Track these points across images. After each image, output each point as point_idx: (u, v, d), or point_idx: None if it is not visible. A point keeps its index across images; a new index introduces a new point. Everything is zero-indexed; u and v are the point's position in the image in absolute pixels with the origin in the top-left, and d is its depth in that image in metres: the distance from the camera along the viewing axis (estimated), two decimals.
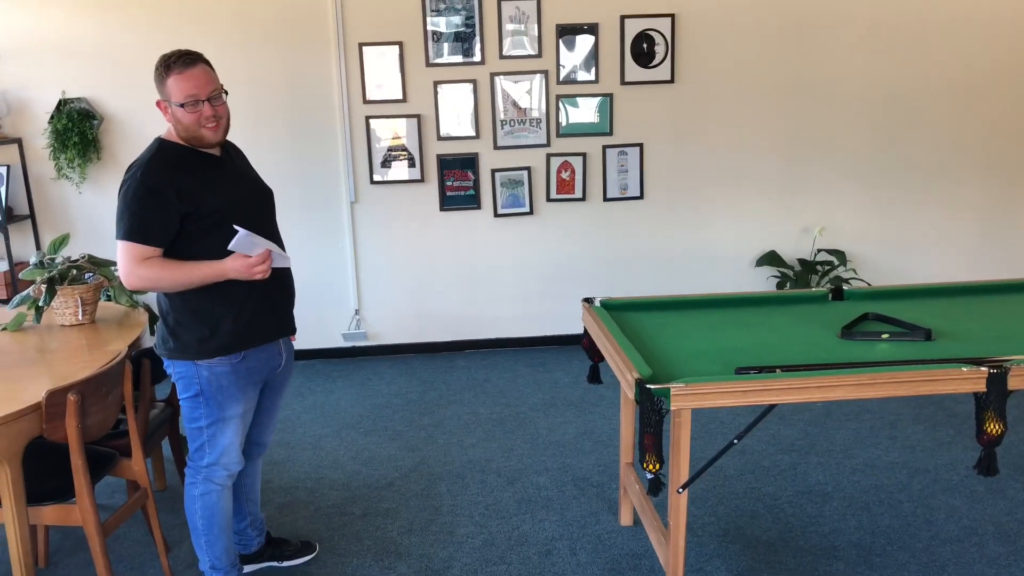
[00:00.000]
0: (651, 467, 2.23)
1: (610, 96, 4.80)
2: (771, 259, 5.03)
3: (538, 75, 4.74)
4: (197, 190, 2.33)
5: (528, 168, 4.87)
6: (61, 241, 3.29)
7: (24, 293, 3.15)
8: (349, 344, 5.10)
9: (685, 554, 2.50)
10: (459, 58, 4.68)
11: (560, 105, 4.79)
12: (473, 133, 4.79)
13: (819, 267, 4.95)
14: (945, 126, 4.99)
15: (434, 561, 2.94)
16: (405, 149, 4.79)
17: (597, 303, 3.01)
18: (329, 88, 4.69)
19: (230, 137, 2.50)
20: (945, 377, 2.24)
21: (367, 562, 2.95)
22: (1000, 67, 4.92)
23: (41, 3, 4.46)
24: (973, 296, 3.09)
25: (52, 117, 4.50)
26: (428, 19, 4.62)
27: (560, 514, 3.22)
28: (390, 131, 4.76)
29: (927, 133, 4.99)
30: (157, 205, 2.28)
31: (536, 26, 4.67)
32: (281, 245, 2.55)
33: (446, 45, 4.66)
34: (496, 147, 4.83)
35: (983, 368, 2.23)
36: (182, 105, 2.29)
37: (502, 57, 4.70)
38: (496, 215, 4.93)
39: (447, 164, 4.83)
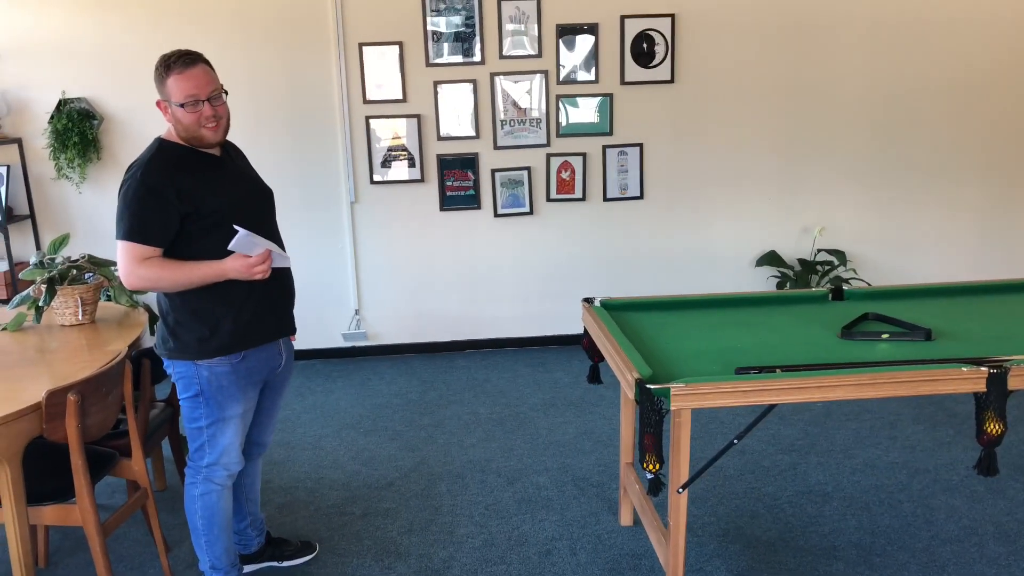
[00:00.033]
0: (651, 467, 2.23)
1: (610, 96, 4.80)
2: (771, 259, 5.03)
3: (538, 75, 4.74)
4: (197, 190, 2.33)
5: (528, 168, 4.87)
6: (61, 241, 3.29)
7: (24, 293, 3.15)
8: (349, 344, 5.10)
9: (685, 554, 2.50)
10: (459, 58, 4.68)
11: (560, 105, 4.79)
12: (473, 133, 4.79)
13: (819, 267, 4.95)
14: (945, 126, 4.99)
15: (434, 561, 2.94)
16: (405, 149, 4.79)
17: (597, 303, 3.01)
18: (329, 88, 4.69)
19: (230, 137, 2.50)
20: (945, 377, 2.24)
21: (367, 562, 2.95)
22: (1000, 67, 4.92)
23: (41, 3, 4.46)
24: (973, 296, 3.09)
25: (52, 117, 4.50)
26: (428, 19, 4.62)
27: (560, 514, 3.22)
28: (390, 131, 4.76)
29: (927, 133, 4.99)
30: (157, 205, 2.28)
31: (536, 26, 4.67)
32: (281, 245, 2.55)
33: (446, 45, 4.67)
34: (496, 147, 4.83)
35: (983, 368, 2.23)
36: (182, 105, 2.29)
37: (502, 57, 4.70)
38: (496, 215, 4.93)
39: (447, 164, 4.83)
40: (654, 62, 4.76)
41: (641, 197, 4.97)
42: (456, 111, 4.75)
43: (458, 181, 4.86)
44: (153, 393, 3.08)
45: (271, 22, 4.57)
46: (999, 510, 3.16)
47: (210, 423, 2.48)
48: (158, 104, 2.36)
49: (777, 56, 4.81)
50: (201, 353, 2.40)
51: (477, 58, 4.69)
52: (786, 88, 4.86)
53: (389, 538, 3.10)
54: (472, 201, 4.89)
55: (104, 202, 4.68)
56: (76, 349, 2.92)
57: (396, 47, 4.64)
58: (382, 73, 4.67)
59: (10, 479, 2.40)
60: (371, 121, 4.73)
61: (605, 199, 4.96)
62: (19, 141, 4.57)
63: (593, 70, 4.76)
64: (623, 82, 4.78)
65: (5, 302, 4.30)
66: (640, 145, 4.89)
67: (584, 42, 4.72)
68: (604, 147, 4.87)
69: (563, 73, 4.75)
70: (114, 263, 3.16)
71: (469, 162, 4.84)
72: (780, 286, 5.00)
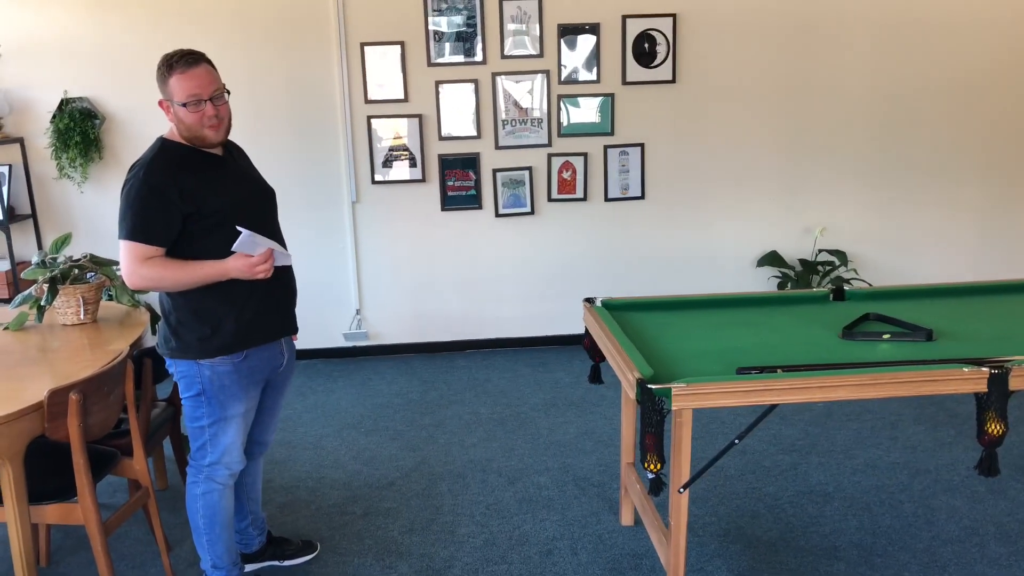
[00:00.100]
0: (652, 467, 2.23)
1: (611, 96, 4.80)
2: (772, 259, 5.03)
3: (539, 75, 4.74)
4: (199, 190, 2.33)
5: (529, 168, 4.87)
6: (63, 241, 3.29)
7: (26, 292, 3.15)
8: (350, 344, 5.10)
9: (686, 554, 2.50)
10: (460, 58, 4.68)
11: (561, 105, 4.79)
12: (474, 133, 4.80)
13: (820, 267, 4.95)
14: (946, 126, 4.99)
15: (435, 561, 2.94)
16: (406, 149, 4.79)
17: (598, 303, 3.01)
18: (331, 88, 4.69)
19: (232, 136, 2.50)
20: (946, 377, 2.24)
21: (368, 561, 2.95)
22: (1001, 67, 4.92)
23: (43, 3, 4.46)
24: (974, 296, 3.09)
25: (54, 117, 4.50)
26: (430, 19, 4.62)
27: (561, 514, 3.23)
28: (391, 131, 4.76)
29: (928, 133, 4.99)
30: (160, 205, 2.29)
31: (538, 26, 4.67)
32: (283, 244, 2.56)
33: (448, 45, 4.67)
34: (497, 147, 4.83)
35: (984, 368, 2.23)
36: (184, 105, 2.30)
37: (503, 57, 4.70)
38: (497, 215, 4.93)
39: (448, 164, 4.83)
40: (656, 62, 4.76)
41: (642, 197, 4.97)
42: (457, 111, 4.75)
43: (459, 181, 4.86)
44: (154, 392, 3.08)
45: (272, 22, 4.58)
46: (1000, 510, 3.16)
47: (212, 422, 2.48)
48: (160, 104, 2.36)
49: (778, 56, 4.81)
50: (203, 352, 2.41)
51: (479, 58, 4.69)
52: (787, 88, 4.86)
53: (390, 537, 3.10)
54: (473, 201, 4.90)
55: (106, 202, 4.68)
56: (78, 348, 2.92)
57: (398, 47, 4.64)
58: (384, 73, 4.67)
59: (12, 478, 2.41)
60: (372, 121, 4.73)
61: (606, 199, 4.96)
62: (21, 140, 4.57)
63: (595, 70, 4.76)
64: (624, 82, 4.78)
65: (7, 301, 4.31)
66: (641, 145, 4.89)
67: (586, 42, 4.72)
68: (605, 147, 4.87)
69: (564, 73, 4.75)
70: (116, 262, 3.17)
71: (470, 162, 4.84)
72: (781, 286, 5.00)
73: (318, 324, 4.94)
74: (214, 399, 2.45)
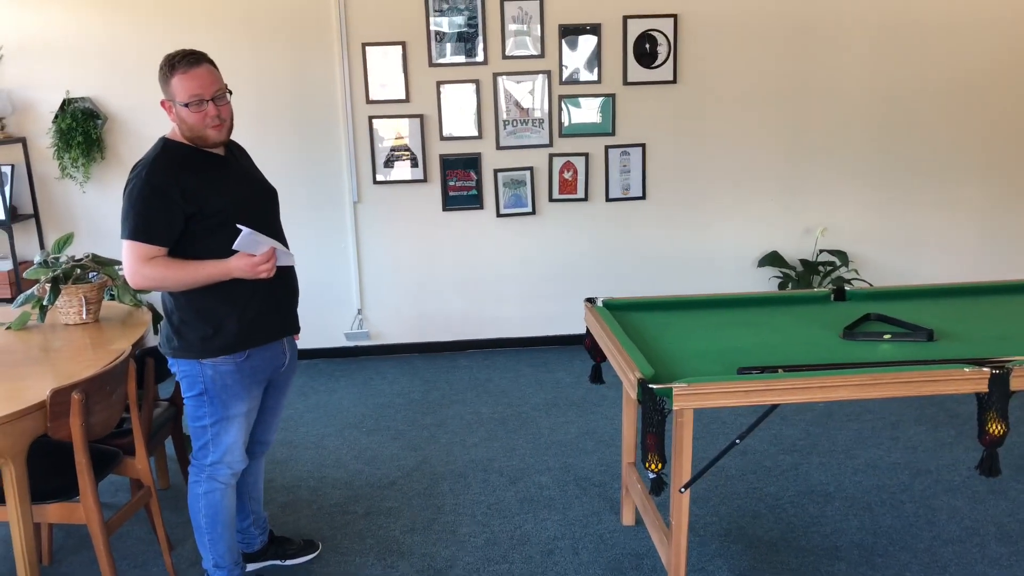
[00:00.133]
0: (653, 467, 2.23)
1: (613, 96, 4.80)
2: (773, 259, 5.03)
3: (541, 75, 4.74)
4: (202, 190, 2.34)
5: (531, 168, 4.88)
6: (65, 240, 3.30)
7: (28, 292, 3.16)
8: (352, 344, 5.11)
9: (687, 554, 2.50)
10: (462, 58, 4.69)
11: (563, 105, 4.80)
12: (476, 133, 4.80)
13: (821, 268, 4.95)
14: (945, 127, 4.99)
15: (436, 560, 2.95)
16: (408, 149, 4.79)
17: (599, 303, 3.01)
18: (332, 88, 4.69)
19: (234, 136, 2.50)
20: (947, 378, 2.25)
21: (369, 561, 2.96)
22: (1000, 67, 4.92)
23: (46, 3, 4.47)
24: (975, 297, 3.09)
25: (56, 116, 4.51)
26: (431, 19, 4.63)
27: (562, 513, 3.23)
28: (393, 131, 4.77)
29: (927, 134, 4.99)
30: (162, 204, 2.29)
31: (539, 26, 4.67)
32: (285, 244, 2.56)
33: (449, 45, 4.67)
34: (499, 147, 4.83)
35: (985, 369, 2.23)
36: (186, 105, 2.30)
37: (505, 57, 4.70)
38: (499, 215, 4.94)
39: (450, 164, 4.83)
40: (657, 62, 4.76)
41: (643, 197, 4.97)
42: (459, 111, 4.76)
43: (461, 181, 4.87)
44: (156, 392, 3.09)
45: (274, 22, 4.58)
46: (1001, 511, 3.16)
47: (214, 422, 2.49)
48: (162, 104, 2.37)
49: (779, 57, 4.81)
50: (205, 352, 2.41)
51: (480, 58, 4.69)
52: (788, 89, 4.86)
53: (391, 537, 3.11)
54: (475, 201, 4.90)
55: (108, 201, 4.69)
56: (80, 348, 2.93)
57: (399, 47, 4.65)
58: (385, 73, 4.68)
59: (14, 477, 2.41)
60: (374, 121, 4.74)
61: (607, 199, 4.96)
62: (23, 140, 4.58)
63: (596, 70, 4.76)
64: (626, 82, 4.78)
65: (10, 301, 4.31)
66: (642, 145, 4.89)
67: (587, 42, 4.72)
68: (607, 147, 4.88)
69: (566, 73, 4.75)
70: (118, 262, 3.17)
71: (472, 162, 4.84)
72: (782, 286, 5.00)
73: (320, 324, 4.95)
74: (216, 398, 2.46)
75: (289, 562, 2.94)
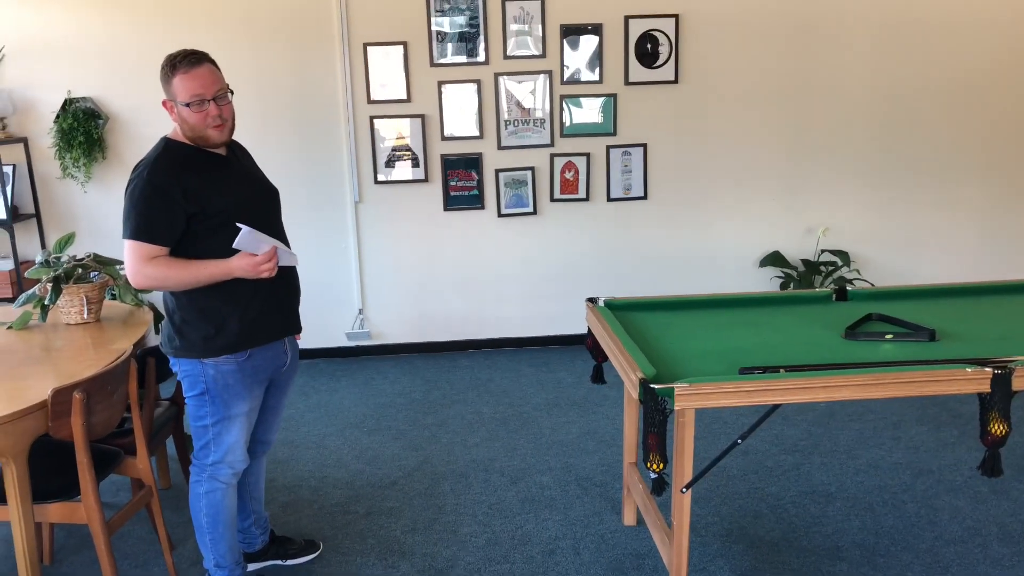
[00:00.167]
0: (655, 467, 2.23)
1: (614, 96, 4.80)
2: (775, 259, 5.03)
3: (542, 75, 4.74)
4: (203, 190, 2.34)
5: (532, 168, 4.88)
6: (66, 240, 3.30)
7: (30, 292, 3.16)
8: (353, 343, 5.11)
9: (688, 554, 2.50)
10: (463, 58, 4.69)
11: (564, 105, 4.80)
12: (477, 133, 4.80)
13: (823, 267, 4.94)
14: (948, 126, 4.99)
15: (437, 560, 2.95)
16: (409, 149, 4.79)
17: (601, 303, 3.01)
18: (334, 88, 4.69)
19: (235, 136, 2.50)
20: (949, 378, 2.24)
21: (371, 561, 2.96)
22: (1001, 67, 4.91)
23: (47, 3, 4.47)
24: (977, 297, 3.09)
25: (58, 116, 4.51)
26: (432, 19, 4.63)
27: (563, 513, 3.23)
28: (394, 131, 4.77)
29: (930, 133, 4.99)
30: (164, 204, 2.29)
31: (540, 26, 4.67)
32: (287, 244, 2.56)
33: (450, 45, 4.67)
34: (500, 147, 4.83)
35: (987, 369, 2.23)
36: (188, 105, 2.30)
37: (506, 57, 4.70)
38: (500, 215, 4.94)
39: (451, 164, 4.83)
40: (658, 62, 4.76)
41: (645, 197, 4.97)
42: (460, 111, 4.76)
43: (462, 181, 4.87)
44: (158, 391, 3.09)
45: (276, 22, 4.58)
46: (1003, 511, 3.16)
47: (215, 421, 2.49)
48: (164, 104, 2.37)
49: (780, 57, 4.81)
50: (207, 351, 2.41)
51: (481, 58, 4.69)
52: (789, 89, 4.86)
53: (393, 537, 3.11)
54: (476, 201, 4.90)
55: (109, 201, 4.69)
56: (81, 348, 2.93)
57: (400, 47, 4.65)
58: (386, 73, 4.68)
59: (16, 477, 2.41)
60: (375, 121, 4.74)
61: (609, 199, 4.96)
62: (25, 140, 4.58)
63: (597, 70, 4.76)
64: (627, 82, 4.78)
65: (11, 301, 4.31)
66: (644, 145, 4.89)
67: (588, 42, 4.72)
68: (608, 147, 4.88)
69: (567, 73, 4.75)
70: (119, 262, 3.17)
71: (473, 162, 4.84)
72: (784, 286, 5.00)
73: (321, 324, 4.95)
74: (218, 398, 2.46)
75: (290, 562, 2.94)
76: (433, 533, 3.12)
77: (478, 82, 4.72)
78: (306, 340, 4.78)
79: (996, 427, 2.23)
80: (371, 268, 4.97)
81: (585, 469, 3.58)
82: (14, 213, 4.57)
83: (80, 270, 3.17)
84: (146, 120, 4.59)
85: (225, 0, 4.53)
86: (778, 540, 3.01)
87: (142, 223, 2.29)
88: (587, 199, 4.94)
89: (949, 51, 4.86)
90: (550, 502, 3.32)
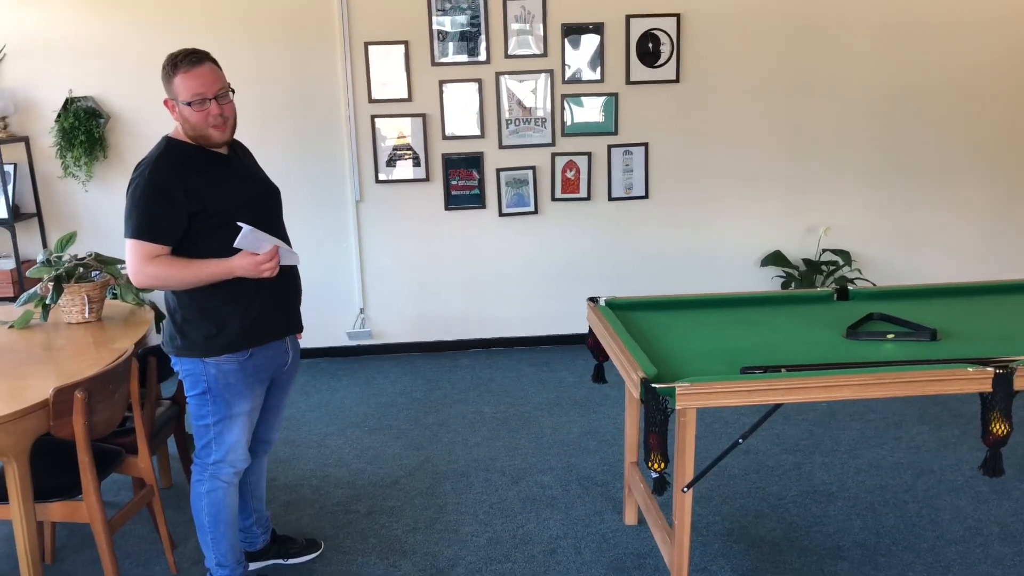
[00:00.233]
0: (656, 466, 2.23)
1: (615, 95, 4.80)
2: (776, 259, 5.03)
3: (543, 74, 4.74)
4: (205, 189, 2.34)
5: (533, 167, 4.87)
6: (68, 239, 3.30)
7: (31, 291, 3.16)
8: (354, 343, 5.11)
9: (690, 553, 2.50)
10: (464, 57, 4.69)
11: (565, 104, 4.79)
12: (478, 132, 4.80)
13: (824, 267, 4.94)
14: (949, 126, 4.98)
15: (439, 559, 2.95)
16: (410, 148, 4.79)
17: (602, 302, 3.01)
18: (335, 87, 4.69)
19: (236, 136, 2.50)
20: (950, 377, 2.24)
21: (372, 560, 2.96)
22: (1001, 67, 4.91)
23: (49, 2, 4.48)
24: (978, 296, 3.08)
25: (59, 116, 4.52)
26: (434, 18, 4.63)
27: (564, 513, 3.23)
28: (395, 130, 4.77)
29: (932, 133, 4.99)
30: (165, 203, 2.29)
31: (541, 25, 4.67)
32: (288, 243, 2.56)
33: (451, 44, 4.67)
34: (501, 146, 4.83)
35: (989, 368, 2.23)
36: (189, 104, 2.30)
37: (507, 56, 4.70)
38: (501, 214, 4.94)
39: (452, 163, 4.83)
40: (659, 62, 4.76)
41: (646, 197, 4.97)
42: (461, 110, 4.76)
43: (463, 180, 4.87)
44: (159, 390, 3.09)
45: (277, 22, 4.58)
46: (1004, 511, 3.15)
47: (217, 420, 2.49)
48: (165, 103, 2.37)
49: (782, 56, 4.81)
50: (208, 351, 2.41)
51: (482, 57, 4.69)
52: (791, 88, 4.86)
53: (394, 536, 3.11)
54: (477, 200, 4.90)
55: (110, 200, 4.69)
56: (83, 347, 2.93)
57: (402, 46, 4.65)
58: (387, 72, 4.68)
59: (17, 476, 2.42)
60: (376, 120, 4.74)
61: (610, 198, 4.96)
62: (26, 139, 4.59)
63: (598, 69, 4.76)
64: (628, 81, 4.78)
65: (12, 300, 4.32)
66: (645, 144, 4.89)
67: (589, 41, 4.72)
68: (609, 146, 4.87)
69: (568, 72, 4.75)
70: (120, 261, 3.17)
71: (474, 161, 4.84)
72: (785, 286, 4.99)
73: (322, 323, 4.95)
74: (219, 397, 2.46)
75: (291, 561, 2.94)
76: (434, 532, 3.12)
77: (479, 81, 4.72)
78: (307, 339, 4.77)
79: (998, 427, 2.23)
80: (372, 267, 4.97)
81: (586, 468, 3.58)
82: (15, 212, 4.57)
83: (81, 269, 3.17)
84: (147, 119, 4.59)
85: (227, 0, 4.53)
86: (779, 539, 3.01)
87: (144, 222, 2.29)
88: (588, 198, 4.94)
89: (949, 51, 4.86)
90: (551, 501, 3.32)
